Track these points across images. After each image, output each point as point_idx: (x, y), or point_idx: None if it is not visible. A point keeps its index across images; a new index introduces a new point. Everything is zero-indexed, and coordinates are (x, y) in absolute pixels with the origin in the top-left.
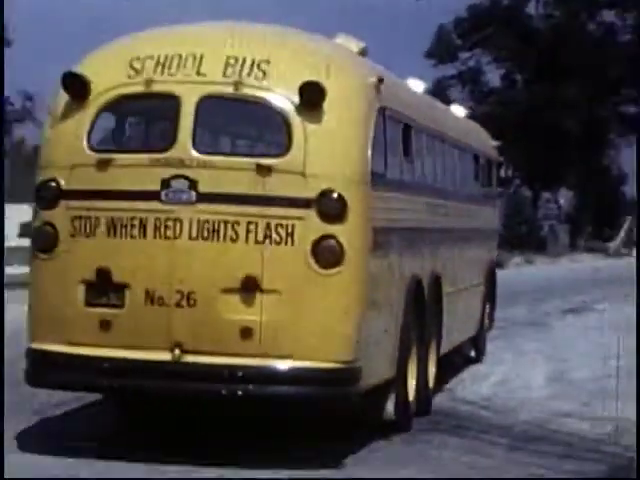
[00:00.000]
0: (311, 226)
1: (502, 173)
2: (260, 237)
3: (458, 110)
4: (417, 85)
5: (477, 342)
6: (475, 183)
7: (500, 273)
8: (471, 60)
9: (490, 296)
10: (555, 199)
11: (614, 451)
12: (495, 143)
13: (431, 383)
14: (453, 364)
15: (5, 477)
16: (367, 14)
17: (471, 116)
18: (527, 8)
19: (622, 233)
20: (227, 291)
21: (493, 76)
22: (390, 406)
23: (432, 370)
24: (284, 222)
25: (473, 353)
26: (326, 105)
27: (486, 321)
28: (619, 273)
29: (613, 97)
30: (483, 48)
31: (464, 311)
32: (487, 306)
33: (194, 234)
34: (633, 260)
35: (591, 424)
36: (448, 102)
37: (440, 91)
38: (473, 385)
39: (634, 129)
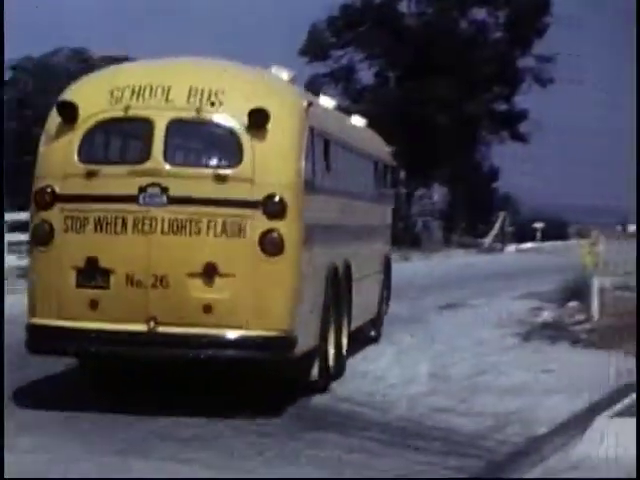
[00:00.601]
0: (258, 222)
1: (395, 175)
2: (218, 232)
3: (358, 121)
4: (328, 102)
5: (376, 323)
6: (375, 185)
7: None
8: (344, 58)
9: (386, 283)
10: (429, 195)
11: (492, 446)
12: (389, 149)
13: (344, 352)
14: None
15: (5, 477)
16: (244, 14)
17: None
18: (399, 6)
19: (495, 229)
20: (192, 275)
21: (366, 74)
22: (315, 370)
23: (345, 342)
24: (237, 220)
25: (373, 333)
26: (269, 126)
27: (384, 305)
28: (493, 268)
29: (485, 94)
30: (356, 46)
31: (368, 294)
32: (384, 292)
33: (165, 230)
34: (506, 256)
35: (469, 419)
36: None
37: (313, 89)
38: (352, 382)
39: (505, 126)
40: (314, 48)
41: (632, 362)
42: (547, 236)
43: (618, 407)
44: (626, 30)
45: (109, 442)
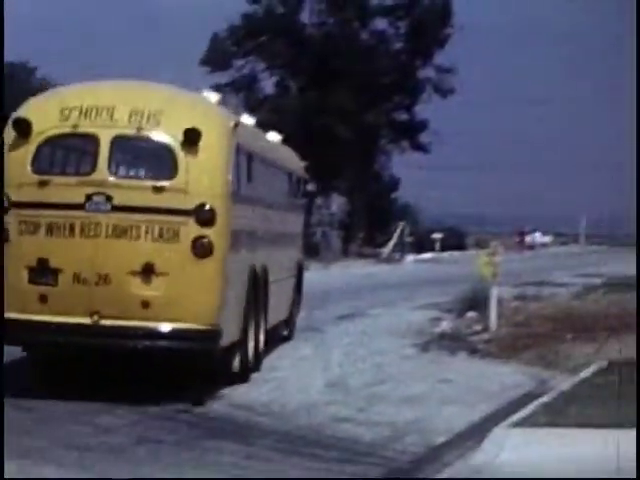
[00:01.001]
0: (191, 229)
1: (307, 187)
2: (156, 236)
3: (274, 137)
4: (249, 120)
5: (289, 323)
6: (289, 196)
7: None
8: (245, 68)
9: (298, 286)
10: (328, 205)
11: (390, 455)
12: (303, 163)
13: (261, 348)
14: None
15: (5, 477)
16: (147, 22)
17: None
18: (301, 16)
19: (394, 239)
20: (132, 274)
21: (267, 83)
22: (236, 361)
23: (262, 338)
24: (172, 226)
25: (286, 332)
26: (201, 144)
27: (296, 306)
28: (391, 279)
29: (385, 104)
30: (257, 56)
31: (282, 296)
32: (296, 295)
33: (109, 233)
34: (405, 266)
35: (367, 429)
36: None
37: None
38: (250, 391)
39: (405, 136)
40: (215, 58)
41: (529, 372)
42: (446, 246)
43: (516, 417)
44: (528, 37)
45: (11, 449)
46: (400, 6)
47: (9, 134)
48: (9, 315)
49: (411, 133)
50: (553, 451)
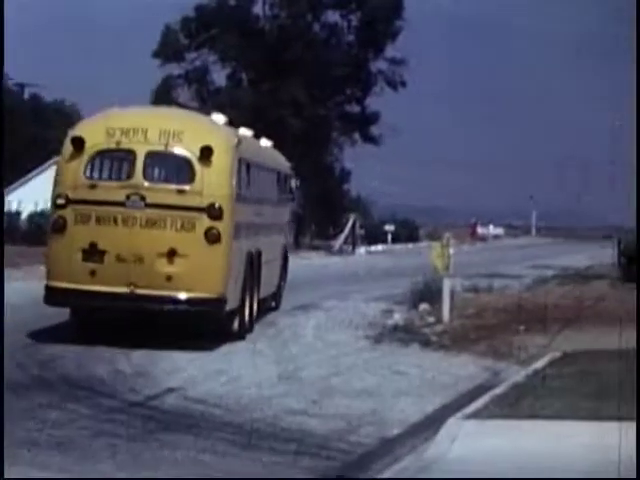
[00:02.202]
0: (204, 222)
1: (293, 184)
2: (178, 227)
3: (265, 142)
4: (247, 132)
5: (276, 296)
6: (278, 192)
7: None
8: (198, 60)
9: (284, 267)
10: None
11: (344, 447)
12: (289, 164)
13: (254, 314)
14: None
15: (5, 477)
16: (99, 15)
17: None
18: (254, 8)
19: (346, 231)
20: (160, 255)
21: (219, 76)
22: (235, 324)
23: (255, 306)
24: (190, 219)
25: (273, 304)
26: (213, 158)
27: (282, 282)
28: (344, 271)
29: (337, 96)
30: (210, 48)
31: (271, 274)
32: (282, 273)
33: (143, 224)
34: (357, 258)
35: (321, 421)
36: (174, 102)
37: (166, 91)
38: (205, 384)
39: (357, 128)
40: (167, 50)
41: (482, 363)
42: (398, 238)
43: (469, 409)
44: (483, 31)
45: None
46: None
47: (67, 148)
48: (64, 285)
49: (362, 125)
50: (506, 442)
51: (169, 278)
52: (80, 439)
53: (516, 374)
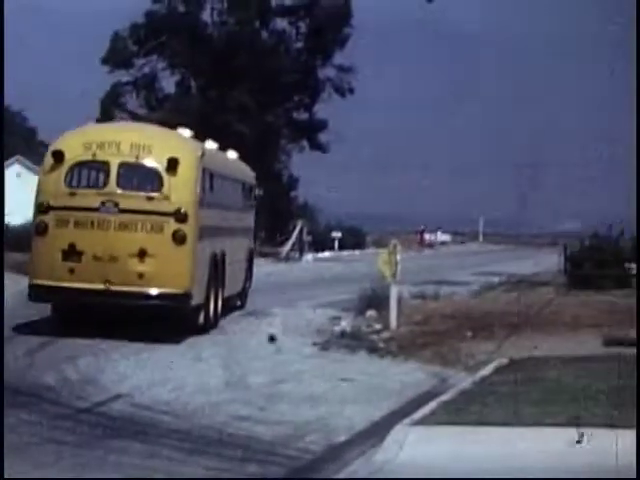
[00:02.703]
0: (171, 225)
1: (256, 192)
2: (148, 229)
3: (232, 154)
4: (212, 145)
5: (241, 296)
6: (242, 200)
7: None
8: (146, 66)
9: (249, 268)
10: None
11: (292, 454)
12: (253, 174)
13: (219, 310)
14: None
15: (5, 477)
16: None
17: (146, 122)
18: (203, 15)
19: (293, 238)
20: (132, 255)
21: (168, 82)
22: (201, 317)
23: (220, 303)
24: (159, 223)
25: (239, 302)
26: (179, 168)
27: (247, 283)
28: (290, 277)
29: (285, 103)
30: (159, 55)
31: (236, 274)
32: (248, 274)
33: (116, 227)
34: (304, 265)
35: (268, 428)
36: (123, 109)
37: (115, 98)
38: (152, 390)
39: (305, 135)
40: (116, 56)
41: (429, 370)
42: (345, 245)
43: (417, 415)
44: (430, 38)
45: None
46: (300, 6)
47: (48, 160)
48: (46, 283)
49: (310, 132)
50: (453, 449)
51: (141, 276)
52: (26, 446)
53: (463, 381)
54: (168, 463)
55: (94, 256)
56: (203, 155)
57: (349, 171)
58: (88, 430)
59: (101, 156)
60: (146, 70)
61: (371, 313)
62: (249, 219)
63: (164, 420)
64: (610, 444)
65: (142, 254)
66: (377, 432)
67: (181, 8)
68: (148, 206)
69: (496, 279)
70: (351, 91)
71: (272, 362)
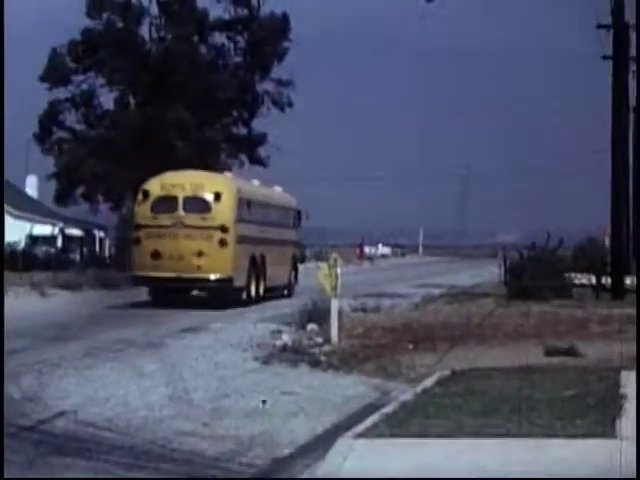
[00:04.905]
0: (217, 235)
1: (299, 214)
2: (203, 238)
3: (278, 188)
4: (255, 182)
5: (288, 289)
6: (282, 219)
7: (114, 294)
8: (85, 83)
9: (294, 267)
10: None
11: (235, 468)
12: (295, 201)
13: (261, 293)
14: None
15: (5, 477)
16: None
17: (85, 139)
18: (141, 31)
19: None
20: (193, 254)
21: (107, 99)
22: (243, 295)
23: (262, 288)
24: (210, 234)
25: (286, 292)
26: (221, 198)
27: (293, 280)
28: None
29: (224, 118)
30: (97, 71)
31: (279, 271)
32: (292, 274)
33: (183, 238)
34: None
35: (212, 443)
36: (61, 126)
37: (54, 115)
38: (95, 407)
39: (244, 150)
40: (54, 73)
41: (372, 383)
42: None
43: (359, 428)
44: (369, 49)
45: None
46: (238, 21)
47: (140, 196)
48: (142, 274)
49: (249, 147)
50: (396, 461)
51: (199, 267)
52: None
53: (405, 393)
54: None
55: (169, 256)
56: (239, 189)
57: (288, 184)
58: (32, 448)
59: (172, 192)
60: (85, 87)
61: (312, 327)
62: (290, 234)
63: (107, 436)
64: (553, 454)
65: (200, 254)
66: (321, 445)
67: (119, 24)
68: (202, 223)
69: (437, 291)
70: (290, 104)
71: (214, 377)
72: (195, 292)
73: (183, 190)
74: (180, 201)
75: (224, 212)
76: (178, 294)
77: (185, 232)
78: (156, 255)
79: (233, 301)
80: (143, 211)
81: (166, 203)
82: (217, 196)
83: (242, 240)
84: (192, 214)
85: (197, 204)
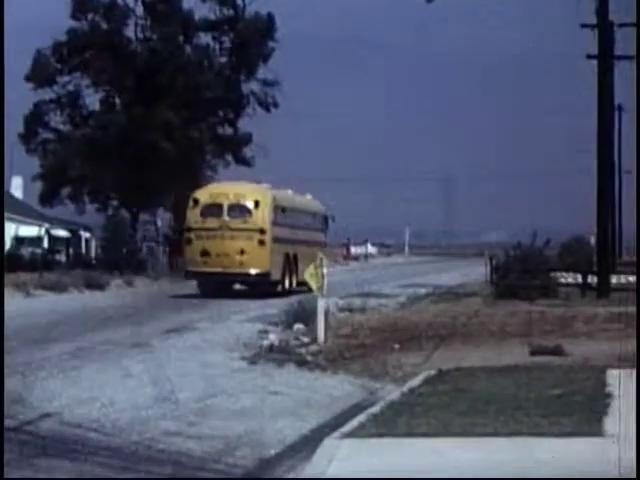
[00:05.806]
0: (257, 236)
1: (327, 218)
2: (244, 239)
3: (309, 196)
4: (289, 191)
5: None
6: (310, 223)
7: (99, 295)
8: (70, 84)
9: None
10: (153, 221)
11: (222, 469)
12: (323, 207)
13: (294, 285)
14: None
15: (5, 477)
16: None
17: (70, 140)
18: (126, 31)
19: None
20: (236, 252)
21: (92, 99)
22: (279, 287)
23: (294, 282)
24: (250, 235)
25: None
26: (260, 205)
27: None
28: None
29: (210, 118)
30: (82, 72)
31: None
32: None
33: (229, 238)
34: None
35: (199, 443)
36: (47, 126)
37: (39, 115)
38: (81, 408)
39: (230, 150)
40: (39, 74)
41: (358, 382)
42: None
43: (346, 428)
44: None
45: None
46: (224, 21)
47: (190, 203)
48: (193, 269)
49: (235, 147)
50: (383, 461)
51: (241, 263)
52: None
53: (392, 393)
54: None
55: (216, 254)
56: (274, 198)
57: (275, 184)
58: (18, 449)
59: (218, 200)
60: (70, 87)
61: (299, 327)
62: (318, 235)
63: (93, 437)
64: (539, 452)
65: (242, 252)
66: (307, 445)
67: (104, 25)
68: (244, 226)
69: (423, 291)
70: (275, 105)
71: (201, 377)
72: (237, 286)
73: (227, 199)
74: (225, 208)
75: (262, 217)
76: (223, 286)
77: (229, 234)
78: (205, 253)
79: (269, 292)
80: (193, 216)
81: (213, 209)
82: (256, 203)
83: (277, 240)
84: (235, 219)
85: (239, 210)
